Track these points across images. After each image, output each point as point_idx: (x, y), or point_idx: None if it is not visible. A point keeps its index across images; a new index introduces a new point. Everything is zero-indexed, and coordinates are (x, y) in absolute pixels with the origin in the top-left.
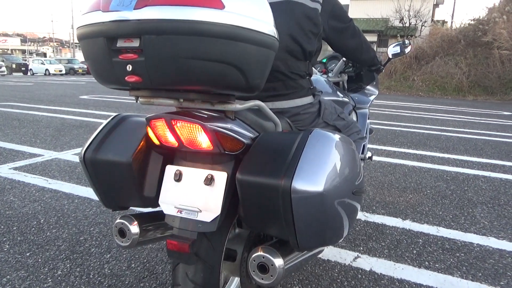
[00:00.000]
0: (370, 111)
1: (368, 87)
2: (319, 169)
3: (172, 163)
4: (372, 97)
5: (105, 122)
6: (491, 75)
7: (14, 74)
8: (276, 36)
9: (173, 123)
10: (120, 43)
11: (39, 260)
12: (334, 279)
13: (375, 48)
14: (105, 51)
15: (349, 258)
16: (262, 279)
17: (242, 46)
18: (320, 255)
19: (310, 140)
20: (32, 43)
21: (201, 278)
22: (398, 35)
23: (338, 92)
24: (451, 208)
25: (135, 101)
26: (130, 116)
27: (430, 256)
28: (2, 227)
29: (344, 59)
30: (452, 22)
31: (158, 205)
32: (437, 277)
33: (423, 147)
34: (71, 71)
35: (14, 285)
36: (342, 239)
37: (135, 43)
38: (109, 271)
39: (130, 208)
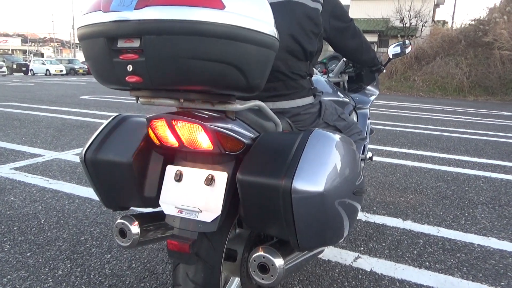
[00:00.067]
0: (371, 111)
1: (369, 87)
2: (319, 169)
3: (172, 163)
4: (372, 98)
5: (105, 122)
6: (492, 76)
7: (15, 74)
8: (276, 36)
9: (174, 123)
10: (121, 43)
11: (40, 260)
12: (334, 279)
13: (375, 49)
14: (106, 51)
15: (349, 259)
16: (263, 279)
17: (242, 46)
18: (320, 256)
19: (310, 140)
20: (33, 44)
21: (202, 278)
22: (399, 35)
23: (338, 93)
24: (451, 208)
25: (135, 102)
26: (130, 116)
27: (431, 257)
28: (2, 227)
29: (344, 59)
30: (452, 23)
31: (159, 205)
32: (438, 277)
33: (423, 147)
34: (71, 72)
35: (14, 285)
36: (343, 239)
37: (136, 43)
38: (110, 271)
39: (131, 208)
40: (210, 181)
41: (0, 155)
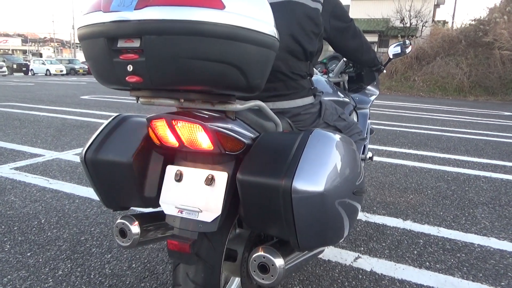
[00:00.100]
0: (371, 111)
1: (369, 87)
2: (319, 169)
3: (172, 163)
4: (372, 97)
5: (106, 122)
6: (492, 76)
7: (15, 74)
8: (276, 36)
9: (174, 123)
10: (121, 44)
11: (40, 260)
12: (334, 279)
13: (375, 49)
14: (106, 51)
15: (349, 259)
16: (263, 279)
17: (242, 46)
18: (320, 256)
19: (310, 140)
20: (33, 44)
21: (202, 278)
22: (399, 35)
23: (338, 93)
24: (452, 208)
25: (135, 102)
26: (130, 116)
27: (431, 257)
28: (3, 227)
29: (344, 59)
30: (453, 23)
31: (159, 205)
32: (438, 277)
33: (424, 147)
34: (72, 72)
35: (15, 285)
36: (343, 239)
37: (136, 44)
38: (110, 271)
39: (131, 208)
40: (210, 181)
41: (0, 155)
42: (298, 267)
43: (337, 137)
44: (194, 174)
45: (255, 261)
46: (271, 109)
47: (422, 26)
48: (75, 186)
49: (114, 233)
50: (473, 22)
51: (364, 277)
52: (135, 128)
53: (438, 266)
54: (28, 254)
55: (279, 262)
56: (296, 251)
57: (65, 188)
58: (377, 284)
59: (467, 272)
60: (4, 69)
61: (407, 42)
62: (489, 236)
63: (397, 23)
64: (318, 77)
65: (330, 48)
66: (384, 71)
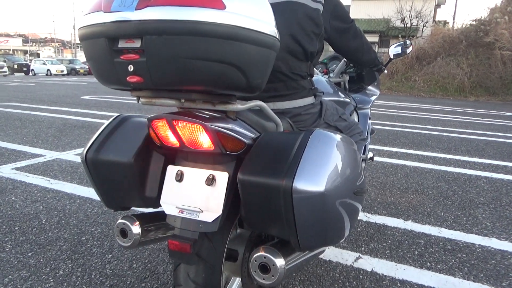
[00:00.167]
0: (372, 111)
1: (370, 87)
2: (320, 169)
3: (173, 164)
4: (373, 98)
5: (106, 122)
6: (493, 76)
7: (16, 74)
8: (277, 36)
9: (175, 123)
10: (122, 44)
11: (41, 260)
12: (335, 279)
13: (376, 49)
14: (107, 51)
15: (350, 259)
16: (264, 279)
17: (243, 46)
18: (321, 256)
19: (311, 140)
20: (34, 44)
21: (203, 278)
22: (400, 35)
23: (339, 93)
24: (453, 209)
25: (136, 102)
26: (131, 116)
27: (432, 257)
28: (4, 227)
29: (345, 59)
30: (453, 23)
31: (160, 206)
32: (439, 278)
33: (424, 147)
34: (72, 72)
35: (16, 285)
36: (343, 239)
37: (137, 44)
38: (111, 271)
39: (132, 208)
40: (211, 181)
41: (1, 155)
42: (299, 267)
43: (338, 137)
44: (195, 174)
45: (255, 261)
46: (271, 109)
47: (423, 26)
48: (76, 186)
49: (115, 233)
50: (474, 22)
51: (365, 277)
52: (136, 128)
53: (439, 266)
54: (29, 254)
55: (279, 262)
56: (296, 251)
57: (66, 188)
58: (378, 284)
59: (468, 272)
60: (5, 69)
61: (408, 42)
62: (490, 237)
63: (398, 23)
64: (319, 77)
65: (331, 49)
66: (385, 71)
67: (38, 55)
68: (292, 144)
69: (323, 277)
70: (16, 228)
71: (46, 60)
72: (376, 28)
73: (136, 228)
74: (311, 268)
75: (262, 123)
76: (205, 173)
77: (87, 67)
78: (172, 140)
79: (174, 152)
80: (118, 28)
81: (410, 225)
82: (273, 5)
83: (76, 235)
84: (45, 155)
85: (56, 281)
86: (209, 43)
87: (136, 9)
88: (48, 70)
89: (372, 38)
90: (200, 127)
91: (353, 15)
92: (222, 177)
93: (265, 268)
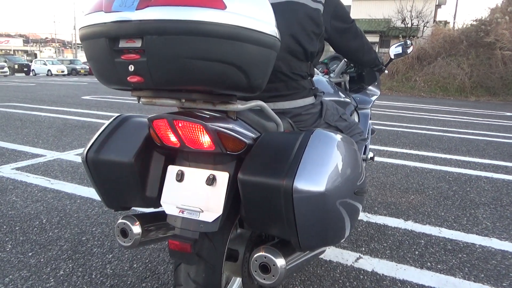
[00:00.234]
0: (372, 111)
1: (370, 87)
2: (321, 169)
3: (174, 163)
4: (374, 98)
5: (107, 122)
6: (494, 76)
7: (17, 74)
8: (277, 36)
9: (175, 123)
10: (122, 44)
11: (42, 260)
12: (336, 279)
13: (377, 49)
14: (107, 51)
15: (351, 259)
16: (264, 279)
17: (243, 46)
18: (322, 256)
19: (312, 140)
20: (35, 44)
21: (203, 278)
22: (400, 35)
23: (340, 93)
24: (453, 209)
25: (137, 102)
26: (132, 116)
27: (432, 257)
28: (4, 227)
29: (345, 59)
30: (454, 23)
31: (160, 205)
32: (439, 278)
33: (425, 148)
34: (73, 72)
35: (16, 284)
36: (344, 239)
37: (137, 44)
38: (111, 271)
39: (132, 208)
40: (211, 181)
41: (1, 155)
42: (299, 267)
43: (338, 137)
44: (195, 174)
45: (256, 261)
46: (272, 109)
47: (424, 27)
48: (76, 186)
49: (115, 233)
50: (474, 23)
51: (366, 277)
52: (136, 128)
53: (439, 266)
54: (30, 254)
55: (280, 262)
56: (297, 251)
57: (67, 188)
58: (379, 284)
59: (469, 272)
60: (6, 69)
61: (408, 42)
62: (490, 237)
63: (398, 24)
64: (319, 77)
65: (331, 49)
66: (386, 71)
67: (35, 56)
68: (293, 144)
69: (323, 277)
70: (17, 228)
71: (46, 60)
72: (376, 28)
73: (136, 228)
74: (311, 268)
75: (262, 123)
76: (205, 173)
77: (87, 67)
78: (173, 140)
79: (174, 152)
80: (118, 28)
81: (410, 225)
82: (273, 5)
83: (76, 235)
84: (45, 155)
85: (56, 281)
86: (210, 43)
87: (136, 9)
88: (48, 70)
89: (372, 38)
90: (201, 127)
91: (353, 15)
92: (223, 177)
93: (265, 268)
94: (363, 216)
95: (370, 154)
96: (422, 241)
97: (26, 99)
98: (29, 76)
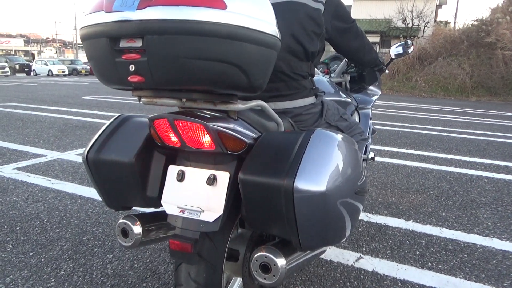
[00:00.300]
0: (373, 111)
1: (371, 87)
2: (321, 169)
3: (174, 163)
4: (374, 98)
5: (108, 122)
6: (494, 76)
7: (17, 75)
8: (278, 36)
9: (176, 123)
10: (123, 43)
11: (42, 260)
12: (336, 279)
13: (377, 49)
14: (108, 51)
15: (351, 259)
16: (265, 279)
17: (244, 46)
18: (322, 256)
19: (312, 140)
20: (35, 44)
21: (204, 278)
22: (401, 35)
23: (340, 93)
24: (454, 209)
25: (137, 101)
26: (132, 116)
27: (433, 257)
28: (5, 227)
29: (346, 59)
30: (455, 23)
31: (161, 205)
32: (440, 278)
33: (426, 148)
34: (74, 72)
35: (17, 284)
36: (345, 239)
37: (138, 43)
38: (112, 271)
39: (133, 208)
40: (212, 181)
41: (2, 155)
42: (300, 267)
43: (339, 137)
44: (196, 174)
45: (257, 261)
46: (272, 109)
47: (424, 27)
48: (77, 186)
49: (116, 233)
50: (475, 23)
51: (366, 277)
52: (137, 128)
53: (440, 266)
54: (31, 254)
55: (281, 262)
56: (298, 251)
57: (67, 188)
58: (379, 284)
59: (470, 272)
60: (7, 69)
61: (409, 42)
62: (491, 237)
63: (399, 24)
64: (320, 77)
65: (332, 49)
66: (386, 71)
67: (33, 56)
68: (293, 144)
69: (324, 277)
70: (18, 228)
71: (47, 61)
72: (377, 28)
73: (137, 228)
74: (312, 268)
75: (263, 123)
76: (206, 173)
77: (88, 67)
78: (173, 139)
79: (175, 152)
80: (119, 28)
81: (411, 225)
82: (274, 5)
83: (77, 235)
84: (46, 155)
85: (57, 281)
86: (210, 43)
87: (137, 9)
88: (49, 70)
89: (373, 38)
90: (201, 126)
91: (354, 15)
92: (223, 177)
93: (266, 268)
94: (363, 216)
95: (371, 154)
96: (423, 241)
97: (27, 99)
98: (30, 76)
